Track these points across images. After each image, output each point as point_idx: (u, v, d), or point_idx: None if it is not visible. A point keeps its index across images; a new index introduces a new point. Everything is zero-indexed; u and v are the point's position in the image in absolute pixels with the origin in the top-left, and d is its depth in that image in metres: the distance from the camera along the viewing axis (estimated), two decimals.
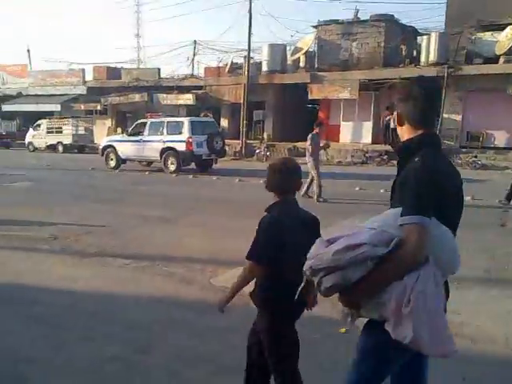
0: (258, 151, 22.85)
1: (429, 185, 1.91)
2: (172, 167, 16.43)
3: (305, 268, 2.04)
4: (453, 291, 4.97)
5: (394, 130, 12.12)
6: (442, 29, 24.24)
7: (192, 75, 29.35)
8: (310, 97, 23.72)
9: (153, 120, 17.46)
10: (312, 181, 11.10)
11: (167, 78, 29.48)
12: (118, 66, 33.17)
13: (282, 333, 2.65)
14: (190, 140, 15.90)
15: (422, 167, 1.94)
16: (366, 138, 22.93)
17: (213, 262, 6.04)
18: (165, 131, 16.57)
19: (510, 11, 20.39)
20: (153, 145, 16.69)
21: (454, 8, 23.89)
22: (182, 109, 27.85)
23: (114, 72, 31.90)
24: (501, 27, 20.34)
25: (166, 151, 16.43)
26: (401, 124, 2.16)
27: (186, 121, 16.53)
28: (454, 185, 2.03)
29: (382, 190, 11.91)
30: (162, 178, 15.51)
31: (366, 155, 20.49)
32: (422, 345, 1.86)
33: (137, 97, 27.94)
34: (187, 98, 26.69)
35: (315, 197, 10.82)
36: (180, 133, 16.17)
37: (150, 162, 18.17)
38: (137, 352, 3.77)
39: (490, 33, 20.74)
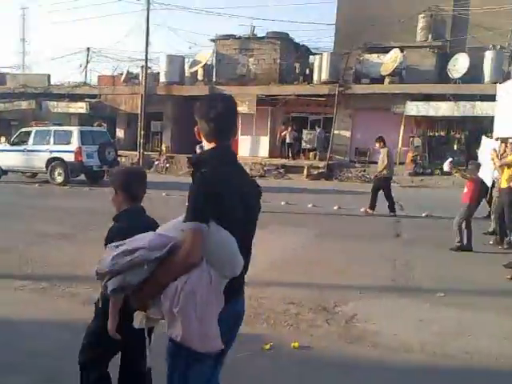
0: (156, 163, 22.44)
1: (207, 194, 2.05)
2: (59, 178, 15.65)
3: (95, 272, 2.20)
4: (363, 300, 5.24)
5: (290, 144, 12.92)
6: (332, 49, 25.66)
7: (85, 83, 28.13)
8: None
9: (38, 128, 16.60)
10: None
11: (58, 85, 27.95)
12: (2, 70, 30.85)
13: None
14: (80, 150, 15.27)
15: (201, 178, 2.10)
16: (264, 151, 23.51)
17: None
18: (51, 140, 15.76)
19: (392, 35, 22.14)
20: (38, 154, 15.77)
21: (342, 30, 25.42)
22: (74, 117, 26.52)
23: None
24: (385, 50, 22.01)
25: (53, 161, 15.62)
26: (200, 138, 2.31)
27: (75, 130, 15.91)
28: (239, 194, 2.16)
29: (282, 203, 12.29)
30: (55, 191, 14.59)
31: (264, 168, 20.99)
32: (192, 342, 2.01)
33: (23, 104, 26.12)
34: (80, 107, 25.50)
35: None
36: (68, 142, 15.50)
37: (34, 174, 17.13)
38: (46, 382, 3.48)
39: (376, 55, 22.33)
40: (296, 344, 4.01)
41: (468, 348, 4.06)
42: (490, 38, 21.14)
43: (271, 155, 23.05)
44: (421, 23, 23.03)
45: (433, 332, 4.43)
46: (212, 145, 2.25)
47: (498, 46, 21.04)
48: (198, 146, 11.44)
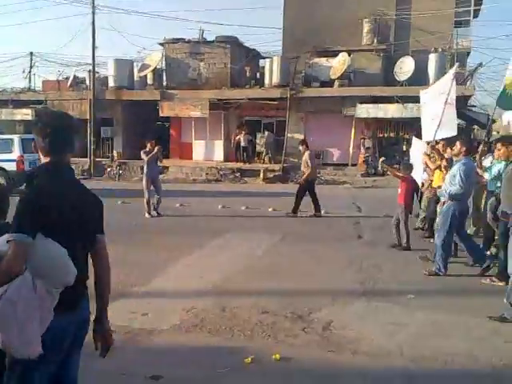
0: (109, 170, 21.90)
1: (33, 207, 2.19)
2: None
3: None
4: (336, 306, 5.29)
5: (245, 148, 12.89)
6: (280, 53, 25.90)
7: (29, 88, 27.08)
8: (161, 114, 23.46)
9: None
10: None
11: (0, 91, 26.76)
12: None
13: None
14: (22, 159, 14.81)
15: (29, 191, 2.32)
16: (219, 155, 23.39)
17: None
18: None
19: (339, 39, 22.61)
20: None
21: (289, 34, 25.66)
22: (20, 124, 25.51)
23: None
24: (334, 53, 22.43)
25: None
26: (38, 152, 2.44)
27: (16, 138, 15.34)
28: (71, 207, 2.31)
29: (243, 207, 12.28)
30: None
31: (220, 172, 20.89)
32: (12, 348, 2.15)
33: None
34: (25, 113, 24.46)
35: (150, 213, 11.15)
36: (10, 151, 15.00)
37: None
38: None
39: (325, 58, 22.71)
40: (277, 356, 3.99)
41: (447, 350, 4.16)
42: (432, 41, 21.98)
43: (226, 159, 22.98)
44: (366, 27, 23.62)
45: (409, 335, 4.52)
46: (47, 159, 2.38)
47: (440, 49, 21.90)
48: (142, 152, 11.46)
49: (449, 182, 6.43)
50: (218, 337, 4.50)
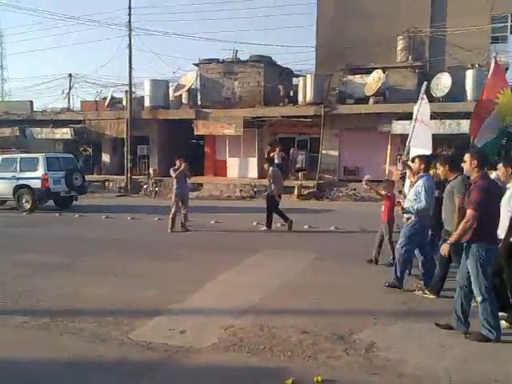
0: (145, 187, 22.28)
1: None
2: (27, 205, 15.72)
3: None
4: (378, 326, 5.11)
5: (279, 164, 12.77)
6: (313, 71, 25.90)
7: (68, 109, 27.90)
8: (195, 132, 23.75)
9: (5, 156, 16.64)
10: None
11: (41, 112, 27.65)
12: None
13: None
14: (46, 177, 15.45)
15: None
16: (253, 172, 23.44)
17: (125, 314, 5.56)
18: (18, 168, 15.88)
19: (373, 57, 22.48)
20: (5, 182, 15.82)
21: (322, 52, 25.67)
22: (59, 143, 26.27)
23: None
24: (367, 71, 22.31)
25: (20, 188, 15.72)
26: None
27: (40, 157, 15.93)
28: None
29: (278, 224, 12.13)
30: (35, 219, 14.25)
31: (254, 189, 20.89)
32: None
33: (7, 131, 25.74)
34: (64, 133, 25.24)
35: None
36: (35, 170, 15.64)
37: (3, 201, 17.12)
38: None
39: (359, 76, 22.60)
40: (319, 378, 3.84)
41: (497, 375, 3.95)
42: (469, 57, 21.59)
43: (260, 176, 22.97)
44: (400, 44, 23.46)
45: (455, 358, 4.32)
46: None
47: (477, 65, 21.48)
48: (171, 169, 11.73)
49: (413, 199, 6.46)
50: (257, 356, 4.39)
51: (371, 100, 21.35)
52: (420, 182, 6.45)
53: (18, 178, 15.70)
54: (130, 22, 23.54)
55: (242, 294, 6.38)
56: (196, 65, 25.45)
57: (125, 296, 6.28)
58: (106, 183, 24.31)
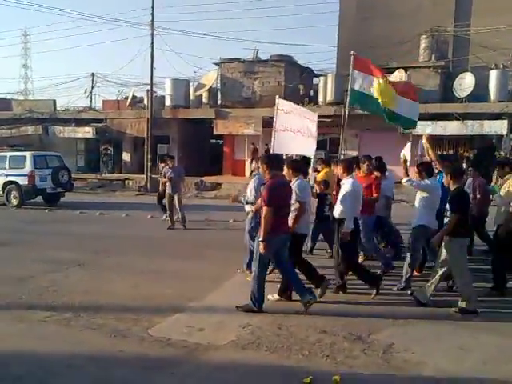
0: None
1: None
2: (14, 201, 16.33)
3: None
4: (397, 327, 5.07)
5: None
6: (335, 71, 25.80)
7: (90, 108, 28.28)
8: (215, 132, 23.87)
9: None
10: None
11: (63, 110, 28.10)
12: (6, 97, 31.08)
13: None
14: (33, 174, 16.05)
15: None
16: None
17: (146, 310, 5.63)
18: (7, 165, 16.50)
19: (395, 56, 22.28)
20: None
21: (344, 52, 25.49)
22: (81, 142, 26.67)
23: (1, 103, 29.74)
24: (389, 70, 22.09)
25: (9, 185, 16.34)
26: None
27: (28, 155, 16.52)
28: None
29: None
30: (33, 215, 14.47)
31: None
32: None
33: (30, 129, 26.26)
34: (86, 131, 25.62)
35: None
36: (23, 167, 16.24)
37: None
38: None
39: None
40: (337, 378, 3.85)
41: None
42: (493, 57, 21.26)
43: None
44: (423, 43, 23.19)
45: (475, 359, 4.28)
46: None
47: (501, 65, 21.14)
48: (167, 169, 11.98)
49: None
50: (275, 355, 4.42)
51: None
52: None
53: (7, 175, 16.36)
54: (152, 21, 23.75)
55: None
56: (217, 64, 25.58)
57: (145, 293, 6.36)
58: (126, 182, 24.58)
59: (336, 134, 22.65)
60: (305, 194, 6.16)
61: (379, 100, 8.80)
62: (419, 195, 6.61)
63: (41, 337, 4.90)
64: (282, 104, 10.15)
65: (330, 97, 22.42)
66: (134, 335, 4.90)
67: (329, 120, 22.13)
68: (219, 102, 25.50)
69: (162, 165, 12.81)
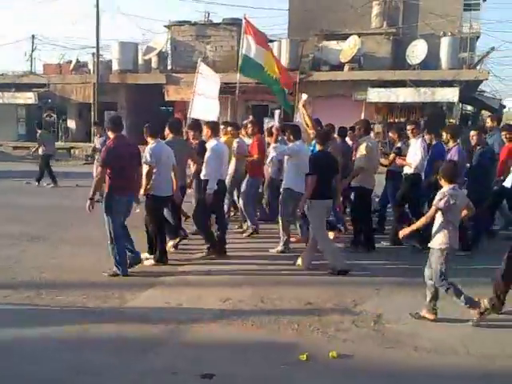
0: None
1: None
2: None
3: None
4: (381, 297, 4.95)
5: None
6: (286, 36, 25.34)
7: (31, 72, 26.53)
8: (166, 98, 23.01)
9: None
10: None
11: (1, 75, 26.20)
12: None
13: None
14: None
15: None
16: None
17: (115, 286, 5.25)
18: None
19: (347, 22, 22.08)
20: None
21: (295, 16, 25.08)
22: (21, 109, 25.09)
23: None
24: (342, 37, 21.90)
25: None
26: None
27: None
28: None
29: None
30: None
31: None
32: None
33: None
34: (28, 97, 24.05)
35: None
36: None
37: None
38: None
39: (334, 41, 22.18)
40: (334, 353, 3.67)
41: None
42: (442, 24, 21.45)
43: None
44: (375, 10, 23.09)
45: (466, 327, 4.23)
46: None
47: (449, 33, 21.39)
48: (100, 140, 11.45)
49: None
50: (263, 330, 4.20)
51: (346, 67, 21.06)
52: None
53: None
54: None
55: (236, 264, 6.15)
56: (167, 27, 24.50)
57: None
58: (72, 151, 23.41)
59: (289, 101, 22.42)
60: (155, 159, 6.05)
61: (268, 72, 9.67)
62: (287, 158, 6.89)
63: (2, 318, 4.44)
64: (202, 68, 10.43)
65: (284, 63, 21.99)
66: (106, 314, 4.53)
67: None
68: (169, 67, 24.53)
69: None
